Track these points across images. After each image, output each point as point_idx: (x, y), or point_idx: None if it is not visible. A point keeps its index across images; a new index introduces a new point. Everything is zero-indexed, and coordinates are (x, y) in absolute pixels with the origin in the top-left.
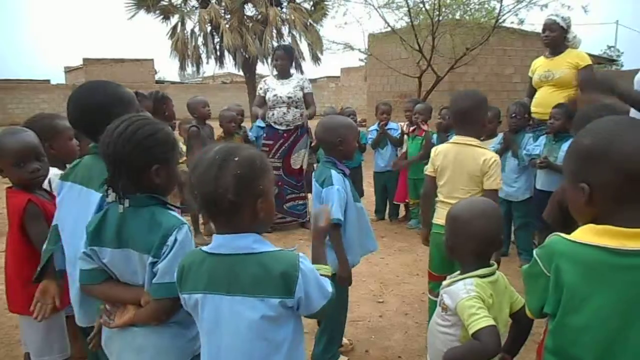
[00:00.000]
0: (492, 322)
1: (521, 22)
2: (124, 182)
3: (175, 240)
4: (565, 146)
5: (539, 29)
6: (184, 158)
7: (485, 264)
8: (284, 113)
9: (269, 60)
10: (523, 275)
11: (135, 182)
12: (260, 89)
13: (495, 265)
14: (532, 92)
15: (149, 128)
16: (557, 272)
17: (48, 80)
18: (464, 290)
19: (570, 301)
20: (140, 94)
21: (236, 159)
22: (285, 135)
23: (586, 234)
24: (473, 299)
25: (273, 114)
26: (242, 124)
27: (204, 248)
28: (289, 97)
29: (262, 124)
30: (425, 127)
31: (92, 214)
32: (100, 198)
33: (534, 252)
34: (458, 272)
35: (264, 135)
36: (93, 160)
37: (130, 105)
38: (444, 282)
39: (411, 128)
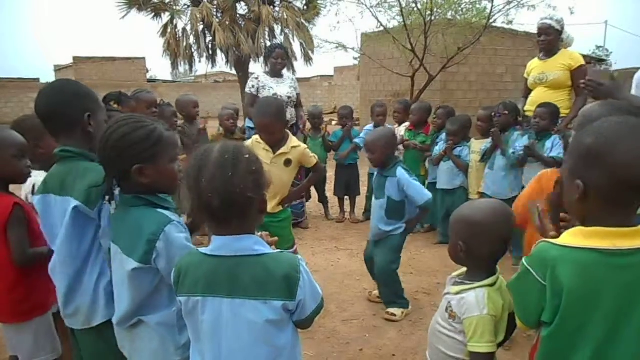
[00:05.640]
0: (492, 350)
1: (510, 22)
2: (117, 183)
3: (165, 245)
4: (548, 143)
5: (529, 29)
6: (184, 155)
7: (494, 268)
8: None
9: (263, 58)
10: (511, 287)
11: (125, 183)
12: (253, 87)
13: (499, 270)
14: (528, 93)
15: (125, 129)
16: (553, 279)
17: (37, 79)
18: (476, 307)
19: (571, 305)
20: (124, 94)
21: (247, 156)
22: None
23: (576, 237)
24: (485, 318)
25: None
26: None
27: (202, 250)
28: (289, 97)
29: (253, 125)
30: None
31: (68, 219)
32: (74, 204)
33: (523, 261)
34: (460, 273)
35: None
36: (63, 167)
37: (101, 105)
38: (452, 289)
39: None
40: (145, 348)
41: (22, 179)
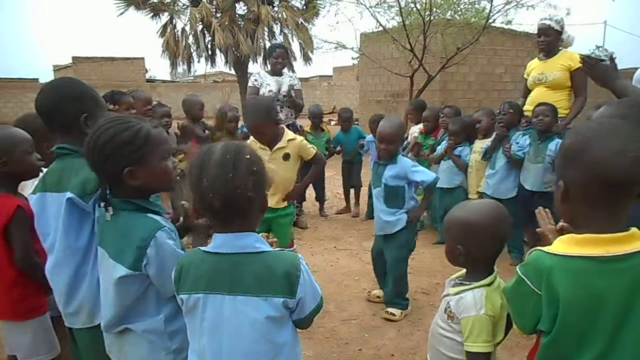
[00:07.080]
0: (488, 350)
1: (509, 22)
2: (108, 188)
3: (156, 251)
4: (551, 145)
5: (528, 29)
6: (181, 155)
7: (492, 267)
8: (278, 112)
9: (263, 57)
10: (506, 295)
11: (116, 187)
12: (256, 80)
13: (497, 270)
14: (527, 93)
15: (110, 132)
16: (549, 289)
17: (37, 79)
18: (473, 307)
19: (568, 314)
20: (118, 92)
21: (247, 156)
22: None
23: (568, 245)
24: (482, 318)
25: None
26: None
27: (203, 248)
28: (284, 96)
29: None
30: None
31: (64, 212)
32: (68, 195)
33: (517, 269)
34: (459, 275)
35: None
36: (59, 164)
37: (101, 106)
38: (450, 290)
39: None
40: (134, 354)
41: (35, 173)
